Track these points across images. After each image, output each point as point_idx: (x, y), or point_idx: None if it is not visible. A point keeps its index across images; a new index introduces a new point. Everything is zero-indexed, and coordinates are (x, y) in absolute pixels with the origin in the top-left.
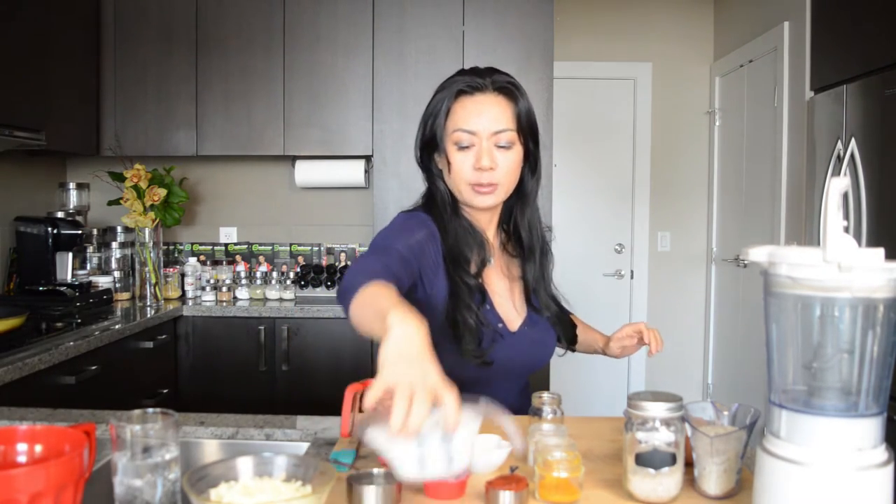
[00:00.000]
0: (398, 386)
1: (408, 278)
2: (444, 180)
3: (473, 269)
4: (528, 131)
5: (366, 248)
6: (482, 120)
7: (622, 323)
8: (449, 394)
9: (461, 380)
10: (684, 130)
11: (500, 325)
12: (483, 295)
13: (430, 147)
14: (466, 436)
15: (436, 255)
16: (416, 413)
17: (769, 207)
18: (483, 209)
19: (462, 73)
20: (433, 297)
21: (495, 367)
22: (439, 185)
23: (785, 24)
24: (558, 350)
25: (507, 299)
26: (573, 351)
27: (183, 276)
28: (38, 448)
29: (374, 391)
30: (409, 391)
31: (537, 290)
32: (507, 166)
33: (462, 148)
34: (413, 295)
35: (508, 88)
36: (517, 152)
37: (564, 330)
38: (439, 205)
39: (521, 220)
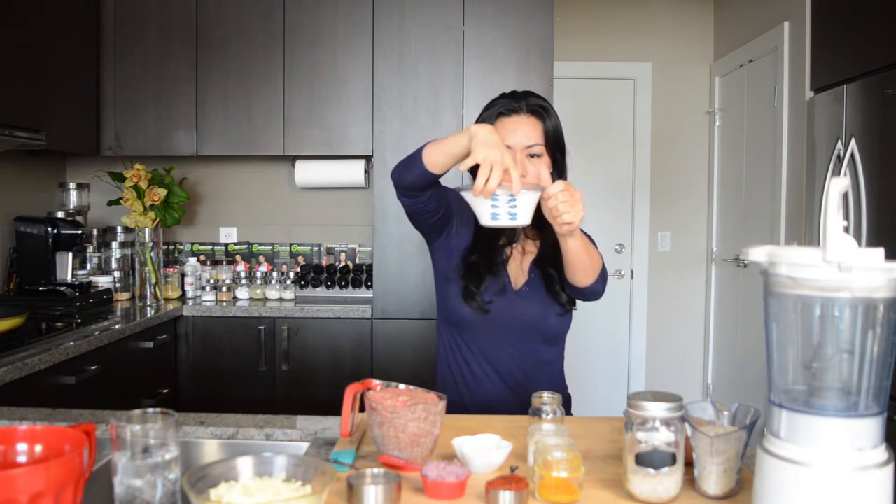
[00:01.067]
0: (487, 159)
1: (441, 200)
2: None
3: (502, 241)
4: (554, 145)
5: (367, 248)
6: (517, 136)
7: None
8: (516, 170)
9: (465, 322)
10: (684, 130)
11: (507, 281)
12: (501, 252)
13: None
14: (526, 200)
15: (469, 213)
16: (495, 177)
17: (769, 207)
18: None
19: (503, 96)
20: (456, 244)
21: (497, 320)
22: None
23: (785, 24)
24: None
25: (515, 264)
26: (572, 305)
27: (183, 276)
28: (38, 448)
29: (477, 160)
30: (493, 163)
31: (544, 259)
32: (536, 172)
33: None
34: (438, 238)
35: (538, 110)
36: (545, 161)
37: (565, 302)
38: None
39: (545, 218)
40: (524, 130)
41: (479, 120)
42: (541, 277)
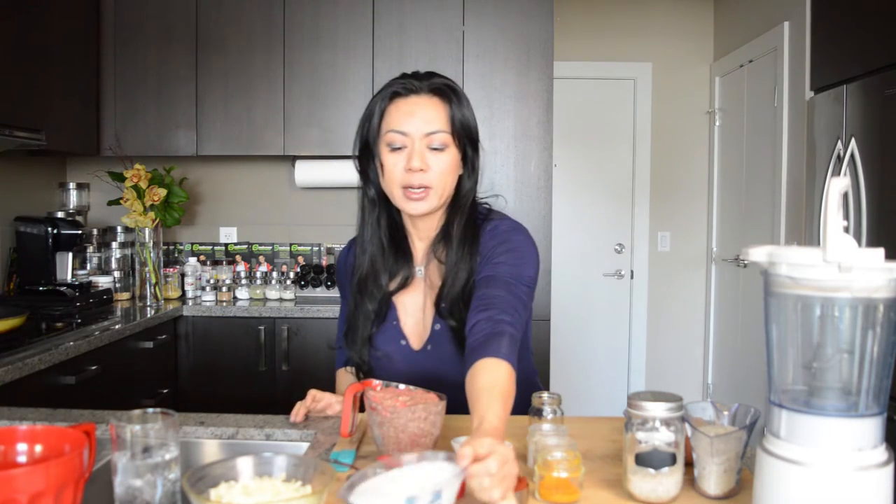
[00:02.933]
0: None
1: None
2: (378, 186)
3: (395, 284)
4: (463, 134)
5: None
6: (414, 121)
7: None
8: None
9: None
10: (684, 130)
11: (403, 342)
12: (384, 317)
13: (366, 151)
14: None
15: (348, 284)
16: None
17: (769, 207)
18: (416, 216)
19: (402, 76)
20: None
21: (411, 383)
22: (368, 193)
23: (785, 24)
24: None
25: (416, 312)
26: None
27: (183, 276)
28: (38, 448)
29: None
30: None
31: (444, 303)
32: (439, 168)
33: (394, 149)
34: None
35: (443, 90)
36: (451, 155)
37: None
38: (365, 217)
39: (451, 227)
40: (424, 114)
41: (371, 103)
42: (447, 331)
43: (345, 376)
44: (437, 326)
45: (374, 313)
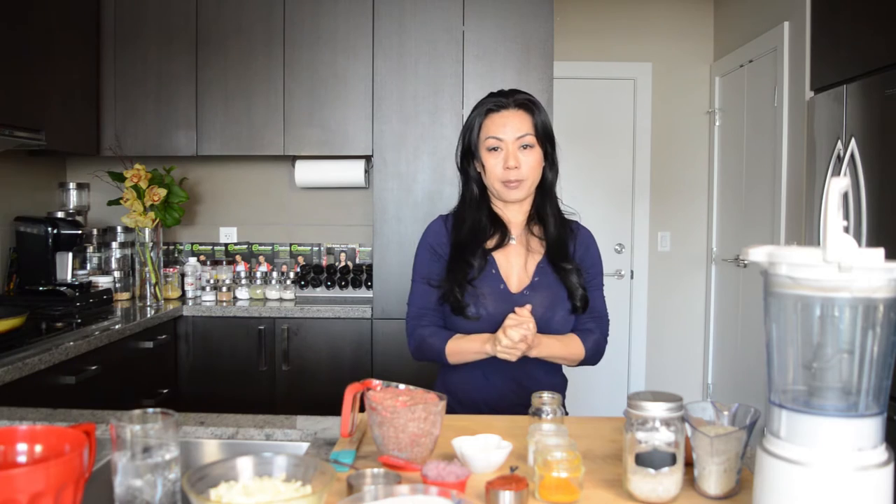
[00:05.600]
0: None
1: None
2: (478, 182)
3: (492, 244)
4: (544, 137)
5: (367, 248)
6: (507, 129)
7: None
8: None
9: (459, 329)
10: (684, 130)
11: (503, 286)
12: (483, 266)
13: (467, 155)
14: None
15: (441, 252)
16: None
17: (769, 207)
18: (513, 202)
19: (491, 95)
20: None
21: (496, 320)
22: (471, 187)
23: (785, 24)
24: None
25: (518, 266)
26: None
27: (183, 276)
28: (38, 448)
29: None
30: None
31: (554, 254)
32: (529, 164)
33: (492, 150)
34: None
35: (527, 104)
36: (537, 153)
37: (581, 292)
38: (467, 203)
39: (544, 209)
40: (514, 123)
41: (470, 118)
42: (550, 277)
43: (462, 338)
44: (537, 278)
45: (475, 264)
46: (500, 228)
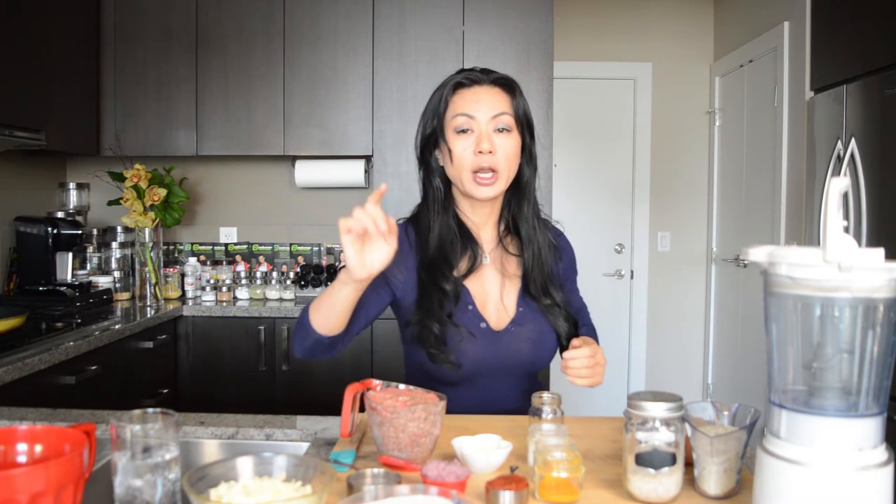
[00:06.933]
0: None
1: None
2: (442, 176)
3: (463, 268)
4: (524, 122)
5: None
6: (480, 106)
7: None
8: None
9: (447, 378)
10: (684, 130)
11: (483, 325)
12: (458, 298)
13: (430, 141)
14: None
15: (407, 268)
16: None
17: (769, 207)
18: (484, 200)
19: (460, 71)
20: (405, 304)
21: (479, 367)
22: (434, 182)
23: (785, 24)
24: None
25: (495, 298)
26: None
27: (183, 276)
28: (38, 448)
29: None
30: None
31: (534, 286)
32: (505, 151)
33: (461, 132)
34: (389, 301)
35: (504, 81)
36: (515, 139)
37: (566, 328)
38: (430, 205)
39: (520, 214)
40: (489, 99)
41: (434, 94)
42: (532, 304)
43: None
44: (521, 309)
45: (452, 293)
46: (469, 244)
